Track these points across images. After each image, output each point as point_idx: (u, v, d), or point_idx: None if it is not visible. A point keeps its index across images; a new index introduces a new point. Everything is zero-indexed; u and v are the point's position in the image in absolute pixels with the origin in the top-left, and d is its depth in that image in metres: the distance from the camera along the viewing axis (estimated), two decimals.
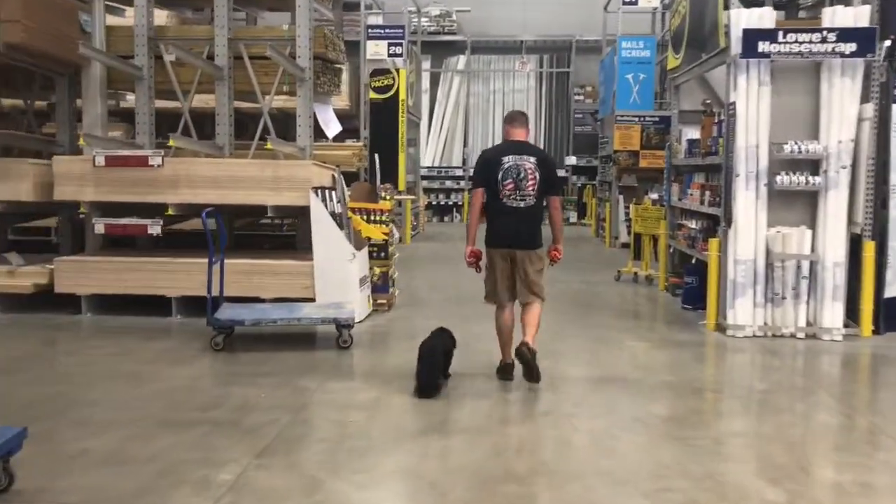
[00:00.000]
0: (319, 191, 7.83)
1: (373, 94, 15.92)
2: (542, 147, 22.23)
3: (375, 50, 15.86)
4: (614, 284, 10.83)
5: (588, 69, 22.59)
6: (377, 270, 8.42)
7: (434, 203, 22.87)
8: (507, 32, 22.64)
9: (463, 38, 22.79)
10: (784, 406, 5.54)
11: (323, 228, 7.74)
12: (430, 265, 13.04)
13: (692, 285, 8.77)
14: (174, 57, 8.57)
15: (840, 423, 5.21)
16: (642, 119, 15.55)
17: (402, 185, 16.06)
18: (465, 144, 22.98)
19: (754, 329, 7.44)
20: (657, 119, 15.54)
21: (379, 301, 8.43)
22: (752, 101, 7.40)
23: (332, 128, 10.61)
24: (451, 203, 22.94)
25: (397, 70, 15.85)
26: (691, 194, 9.00)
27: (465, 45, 22.84)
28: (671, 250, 10.03)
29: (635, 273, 10.95)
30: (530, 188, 5.52)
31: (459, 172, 22.60)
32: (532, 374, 5.54)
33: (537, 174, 5.54)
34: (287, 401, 5.37)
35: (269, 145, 8.07)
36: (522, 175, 5.51)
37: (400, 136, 15.93)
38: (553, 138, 22.78)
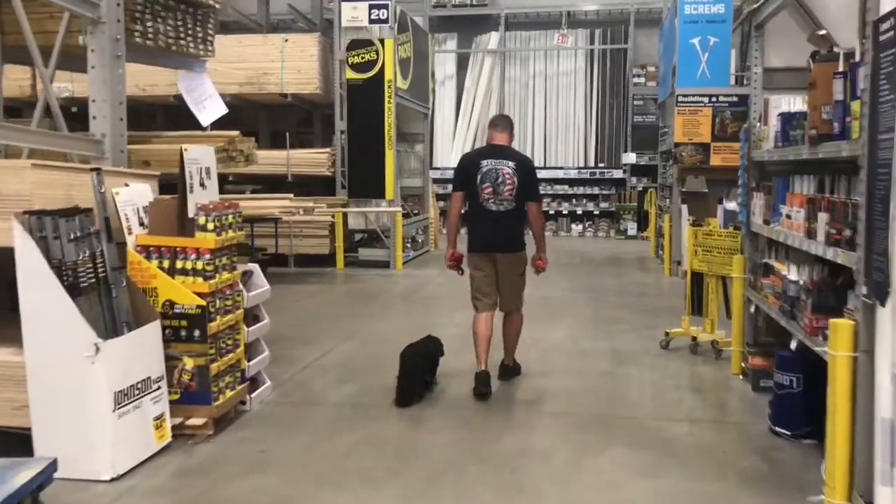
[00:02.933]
0: (53, 219, 3.99)
1: (350, 73, 12.11)
2: (594, 142, 18.16)
3: (353, 15, 12.02)
4: (659, 355, 6.73)
5: (650, 45, 18.28)
6: (188, 364, 4.55)
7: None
8: (550, 2, 18.50)
9: (496, 12, 18.78)
10: None
11: (36, 293, 3.91)
12: (404, 309, 9.09)
13: (790, 390, 4.63)
14: None
15: None
16: (714, 100, 11.28)
17: (389, 193, 12.18)
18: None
19: None
20: (735, 99, 11.24)
21: (190, 422, 4.56)
22: None
23: (210, 109, 6.84)
24: None
25: (381, 41, 11.98)
26: (788, 216, 4.82)
27: (498, 20, 18.81)
28: (753, 308, 5.84)
29: (693, 339, 6.77)
30: (507, 192, 5.51)
31: None
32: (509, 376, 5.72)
33: (515, 179, 5.51)
34: None
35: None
36: (500, 179, 5.49)
37: (386, 127, 12.06)
38: (607, 131, 18.51)
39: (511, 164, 5.53)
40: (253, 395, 5.24)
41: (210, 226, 4.63)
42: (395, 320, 8.23)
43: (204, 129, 7.23)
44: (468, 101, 19.07)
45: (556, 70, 18.77)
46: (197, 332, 4.55)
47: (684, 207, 11.32)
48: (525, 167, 5.63)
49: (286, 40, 12.25)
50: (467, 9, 18.95)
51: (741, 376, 5.95)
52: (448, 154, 19.10)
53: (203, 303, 4.53)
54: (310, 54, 12.17)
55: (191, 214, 4.66)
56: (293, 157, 12.33)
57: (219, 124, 14.31)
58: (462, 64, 19.34)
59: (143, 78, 12.51)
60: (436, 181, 18.61)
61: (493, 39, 18.99)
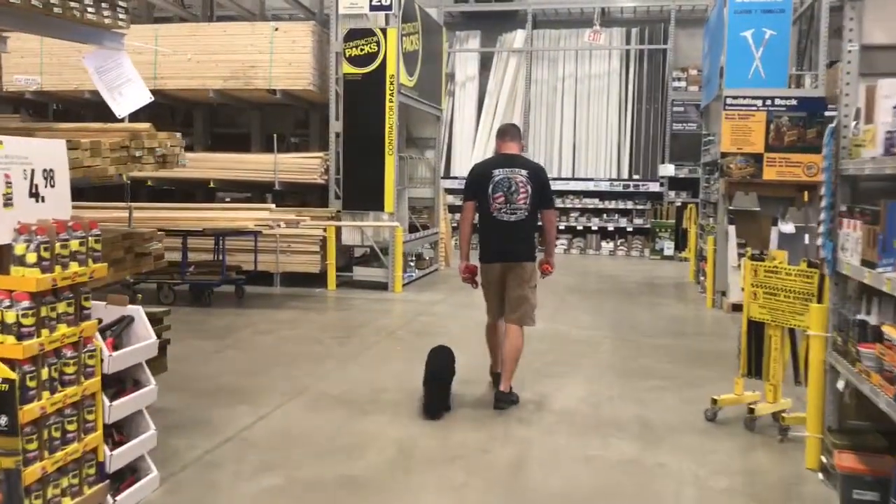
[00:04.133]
0: None
1: (347, 68, 10.58)
2: (628, 151, 16.50)
3: (352, 1, 10.49)
4: (704, 431, 5.05)
5: (692, 47, 16.61)
6: None
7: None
8: None
9: (522, 8, 17.19)
10: None
11: None
12: (383, 351, 7.47)
13: None
14: None
15: None
16: (769, 103, 9.58)
17: (389, 206, 10.61)
18: (523, 149, 17.21)
19: None
20: (795, 102, 9.54)
21: None
22: None
23: (129, 96, 5.31)
24: None
25: (383, 31, 10.44)
26: None
27: (525, 17, 17.21)
28: (842, 385, 4.13)
29: (750, 410, 5.08)
30: (521, 201, 5.43)
31: None
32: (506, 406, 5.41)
33: (529, 187, 5.44)
34: None
35: None
36: (514, 188, 5.41)
37: (387, 129, 10.50)
38: (643, 139, 16.77)
39: (524, 172, 5.47)
40: (122, 495, 3.68)
41: (31, 258, 3.08)
42: (366, 367, 6.61)
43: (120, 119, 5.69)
44: (490, 105, 17.46)
45: (587, 72, 17.08)
46: (3, 420, 3.00)
47: (731, 229, 9.63)
48: (538, 175, 5.55)
49: (276, 29, 10.77)
50: (491, 4, 17.40)
51: (820, 474, 4.25)
52: (468, 162, 17.45)
53: (12, 375, 2.98)
54: (302, 45, 10.67)
55: (4, 240, 3.11)
56: (282, 162, 10.83)
57: (205, 123, 13.02)
58: (485, 64, 17.76)
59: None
60: (453, 192, 17.07)
61: (518, 38, 17.37)
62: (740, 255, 9.56)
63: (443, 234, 13.50)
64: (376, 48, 10.47)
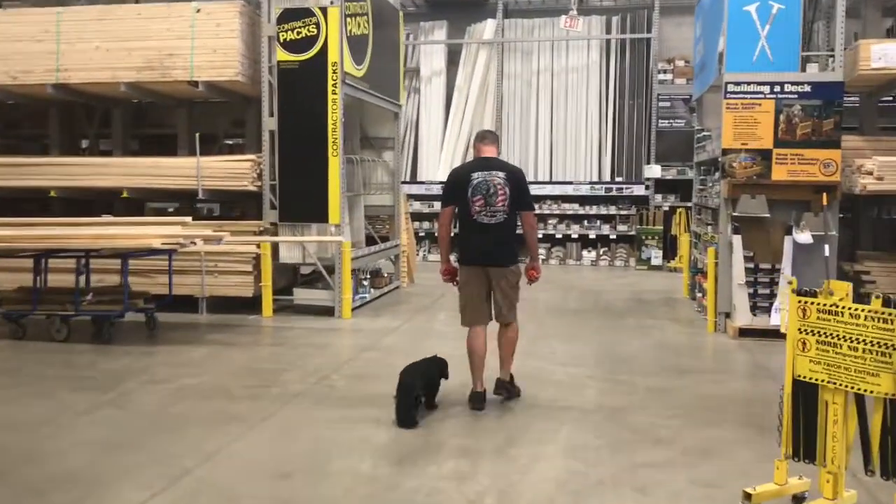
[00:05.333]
0: None
1: (282, 54, 9.00)
2: (610, 151, 15.06)
3: None
4: None
5: (678, 36, 15.27)
6: None
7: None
8: None
9: None
10: None
11: None
12: (308, 406, 5.84)
13: None
14: None
15: None
16: (777, 89, 8.14)
17: (334, 217, 9.04)
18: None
19: None
20: (808, 88, 8.10)
21: None
22: None
23: None
24: None
25: (323, 11, 8.87)
26: None
27: (495, 5, 15.71)
28: None
29: (796, 500, 3.55)
30: (500, 203, 5.42)
31: None
32: (505, 394, 5.59)
33: (507, 189, 5.43)
34: None
35: None
36: (492, 190, 5.41)
37: (330, 126, 8.93)
38: (626, 138, 15.29)
39: (501, 174, 5.47)
40: None
41: None
42: (276, 438, 4.96)
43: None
44: (459, 102, 15.92)
45: (564, 65, 15.57)
46: None
47: (737, 239, 8.13)
48: (515, 176, 5.56)
49: (198, 10, 9.13)
50: None
51: None
52: (435, 165, 15.97)
53: None
54: (229, 29, 9.04)
55: None
56: (206, 166, 9.20)
57: (125, 124, 11.29)
58: (453, 58, 16.24)
59: (16, 63, 9.50)
60: (419, 198, 15.58)
61: (488, 28, 15.84)
62: (748, 270, 8.10)
63: (405, 247, 11.91)
64: (315, 31, 8.90)
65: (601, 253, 15.23)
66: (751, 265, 8.11)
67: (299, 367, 6.70)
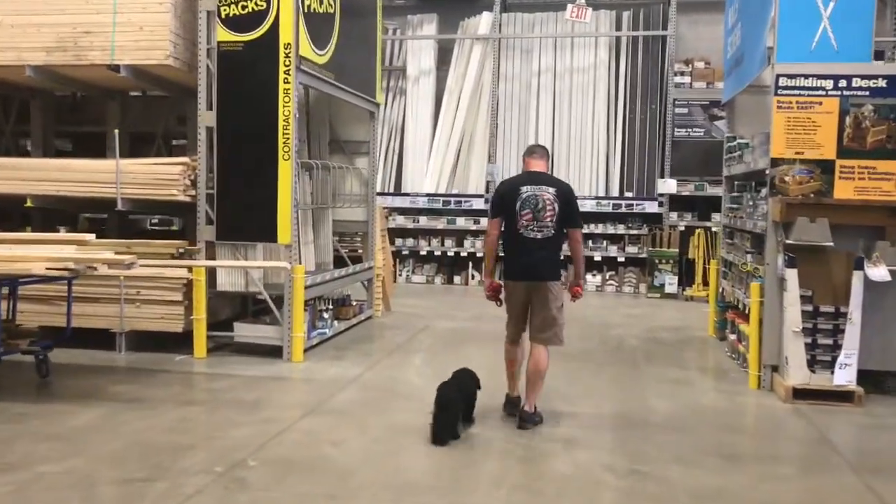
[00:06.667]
0: None
1: (223, 34, 7.27)
2: (619, 163, 13.34)
3: None
4: None
5: (697, 35, 13.60)
6: None
7: (435, 254, 14.04)
8: None
9: None
10: None
11: None
12: None
13: None
14: None
15: None
16: (843, 84, 6.46)
17: (284, 236, 7.27)
18: (490, 159, 13.97)
19: None
20: (884, 84, 6.44)
21: None
22: None
23: None
24: (463, 254, 13.97)
25: None
26: None
27: None
28: None
29: None
30: (548, 219, 5.43)
31: (480, 205, 13.60)
32: (531, 426, 5.42)
33: (556, 205, 5.43)
34: None
35: None
36: (541, 206, 5.41)
37: (281, 122, 7.19)
38: (637, 148, 13.56)
39: (552, 189, 5.46)
40: None
41: None
42: None
43: None
44: (450, 105, 14.19)
45: (568, 65, 13.85)
46: None
47: (792, 274, 6.36)
48: (565, 193, 5.51)
49: None
50: None
51: None
52: (422, 175, 14.21)
53: None
54: (158, 2, 7.30)
55: None
56: (127, 171, 7.44)
57: (47, 120, 9.58)
58: (444, 56, 14.51)
59: None
60: (404, 212, 13.85)
61: (484, 22, 14.11)
62: (805, 314, 6.33)
63: (379, 270, 10.13)
64: (265, 4, 7.17)
65: (607, 277, 13.48)
66: (808, 307, 6.35)
67: (210, 442, 4.91)
